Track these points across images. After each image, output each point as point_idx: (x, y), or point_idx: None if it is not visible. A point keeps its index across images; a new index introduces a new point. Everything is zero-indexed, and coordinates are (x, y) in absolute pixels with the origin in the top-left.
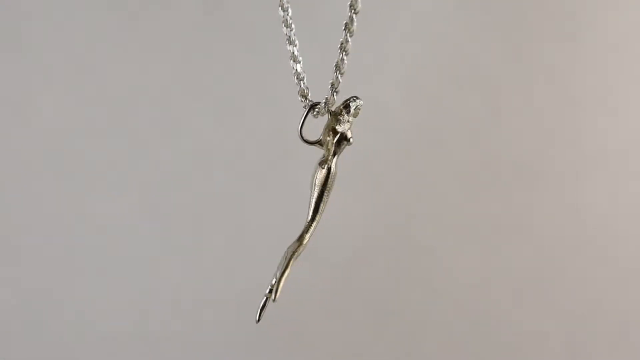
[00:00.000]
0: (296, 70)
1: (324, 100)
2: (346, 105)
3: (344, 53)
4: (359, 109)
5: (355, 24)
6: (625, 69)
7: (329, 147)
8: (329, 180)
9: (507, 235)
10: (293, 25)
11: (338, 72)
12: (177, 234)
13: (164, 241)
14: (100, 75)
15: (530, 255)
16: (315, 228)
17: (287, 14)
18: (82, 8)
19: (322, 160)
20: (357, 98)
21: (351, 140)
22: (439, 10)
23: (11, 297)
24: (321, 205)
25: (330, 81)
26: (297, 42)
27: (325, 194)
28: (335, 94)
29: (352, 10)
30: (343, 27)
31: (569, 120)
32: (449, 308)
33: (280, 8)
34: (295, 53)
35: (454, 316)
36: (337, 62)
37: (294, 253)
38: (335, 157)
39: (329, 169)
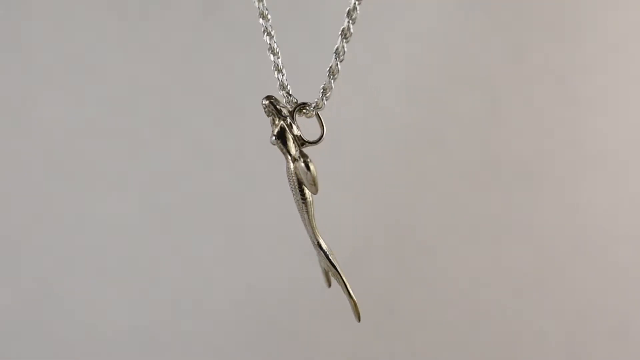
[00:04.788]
0: (280, 80)
1: (314, 103)
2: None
3: (338, 59)
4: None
5: (351, 30)
6: (625, 69)
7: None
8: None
9: (507, 234)
10: (274, 33)
11: (332, 77)
12: (177, 234)
13: (164, 241)
14: (100, 75)
15: (530, 255)
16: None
17: (268, 22)
18: (82, 8)
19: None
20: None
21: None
22: (439, 10)
23: (11, 297)
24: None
25: (322, 85)
26: (279, 51)
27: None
28: (325, 99)
29: (349, 18)
30: (339, 33)
31: (569, 120)
32: (449, 308)
33: (260, 16)
34: (278, 62)
35: (454, 316)
36: (332, 67)
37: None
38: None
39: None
